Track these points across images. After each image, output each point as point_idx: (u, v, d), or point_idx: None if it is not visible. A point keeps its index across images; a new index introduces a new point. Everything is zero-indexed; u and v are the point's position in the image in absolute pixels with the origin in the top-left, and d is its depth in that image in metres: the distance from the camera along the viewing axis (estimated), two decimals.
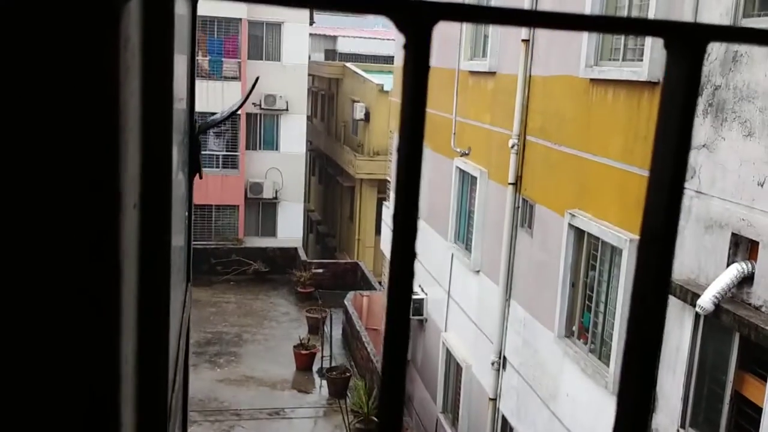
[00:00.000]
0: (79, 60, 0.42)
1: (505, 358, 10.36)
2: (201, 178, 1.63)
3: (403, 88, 0.46)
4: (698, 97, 0.50)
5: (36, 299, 0.46)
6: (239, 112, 23.96)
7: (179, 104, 1.19)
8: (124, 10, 0.44)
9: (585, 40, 8.12)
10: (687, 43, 0.49)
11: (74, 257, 0.44)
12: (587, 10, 8.07)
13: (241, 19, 24.06)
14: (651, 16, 6.92)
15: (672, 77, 0.50)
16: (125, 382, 0.61)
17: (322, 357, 16.80)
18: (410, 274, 0.49)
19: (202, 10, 23.35)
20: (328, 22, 42.59)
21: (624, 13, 7.69)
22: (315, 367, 16.94)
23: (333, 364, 16.53)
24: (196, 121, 1.61)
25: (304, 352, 16.87)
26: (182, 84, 1.38)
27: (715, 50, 6.11)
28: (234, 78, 24.15)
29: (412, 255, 0.50)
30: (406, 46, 0.46)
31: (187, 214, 1.55)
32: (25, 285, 0.46)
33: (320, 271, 21.90)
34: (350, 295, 18.90)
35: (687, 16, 6.40)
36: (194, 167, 1.53)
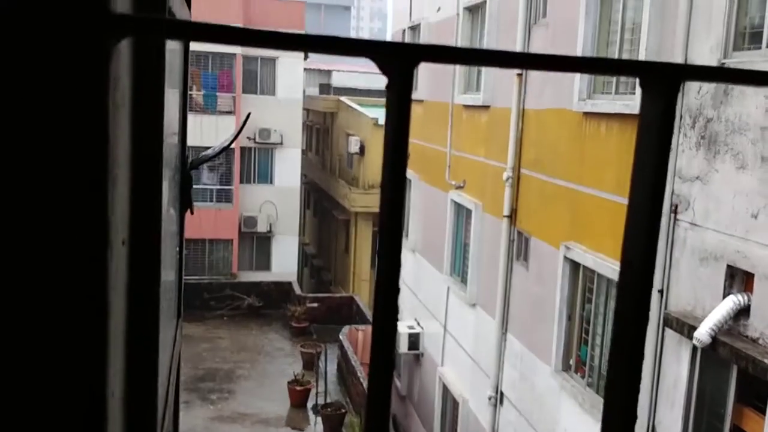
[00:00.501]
0: (67, 100, 0.43)
1: (502, 392, 10.27)
2: (192, 213, 1.64)
3: (385, 127, 0.47)
4: (673, 135, 0.51)
5: (20, 334, 0.47)
6: (233, 146, 24.06)
7: (171, 139, 1.21)
8: (114, 51, 0.45)
9: (578, 73, 8.24)
10: (662, 82, 0.50)
11: (60, 293, 0.45)
12: (579, 45, 8.20)
13: (235, 54, 24.32)
14: (642, 49, 7.03)
15: (647, 115, 0.51)
16: (112, 419, 0.60)
17: (317, 393, 16.61)
18: (394, 311, 0.49)
19: (196, 45, 23.60)
20: (323, 56, 43.07)
21: (616, 47, 7.81)
22: (310, 404, 16.73)
23: (328, 401, 16.33)
24: (188, 156, 1.62)
25: (298, 388, 16.68)
26: (174, 119, 1.40)
27: (706, 83, 6.20)
28: (228, 112, 24.31)
29: (395, 299, 0.51)
30: (388, 87, 0.47)
31: (178, 249, 1.55)
32: (9, 319, 0.46)
33: (315, 305, 21.77)
34: (345, 329, 18.77)
35: (678, 50, 6.50)
36: (185, 203, 1.53)
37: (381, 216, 0.48)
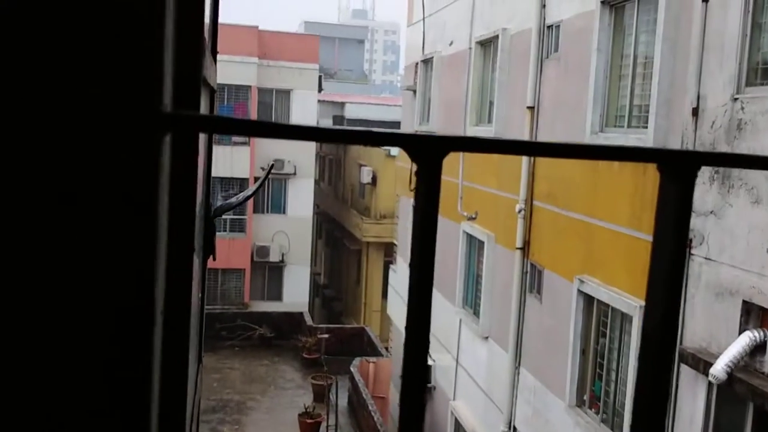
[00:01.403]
0: (121, 190, 0.46)
1: (515, 428, 10.14)
2: (215, 260, 1.67)
3: (414, 213, 0.49)
4: (690, 217, 0.53)
5: (67, 402, 0.49)
6: (247, 175, 24.24)
7: (198, 197, 1.24)
8: (163, 143, 0.48)
9: (590, 106, 8.28)
10: (679, 168, 0.52)
11: (110, 368, 0.47)
12: (591, 78, 8.25)
13: (250, 87, 24.62)
14: (655, 83, 7.07)
15: (665, 199, 0.53)
16: None
17: (328, 426, 16.46)
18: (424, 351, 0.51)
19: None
20: (337, 88, 43.56)
21: (628, 80, 7.85)
22: None
23: None
24: (212, 204, 1.66)
25: (309, 420, 16.54)
26: (200, 169, 1.44)
27: (719, 118, 6.21)
28: (243, 143, 24.54)
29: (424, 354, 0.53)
30: (417, 173, 0.50)
31: (200, 295, 1.58)
32: (58, 387, 0.48)
33: (326, 336, 21.69)
34: (356, 361, 18.65)
35: (691, 85, 6.52)
36: (209, 250, 1.57)
37: (410, 295, 0.51)
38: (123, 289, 0.47)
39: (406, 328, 0.49)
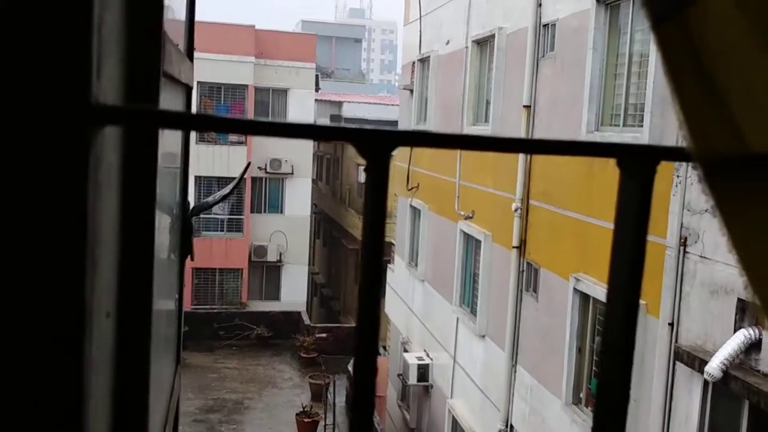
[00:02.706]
0: (47, 183, 0.45)
1: (512, 426, 10.14)
2: (192, 260, 1.66)
3: (364, 207, 0.48)
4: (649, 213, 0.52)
5: None
6: (245, 176, 24.22)
7: (172, 187, 1.23)
8: (96, 136, 0.47)
9: (585, 105, 8.27)
10: (639, 163, 0.51)
11: (36, 370, 0.46)
12: (587, 77, 8.24)
13: (247, 86, 24.59)
14: (650, 81, 7.07)
15: (625, 194, 0.52)
16: None
17: (325, 425, 16.46)
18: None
19: (209, 76, 23.92)
20: (334, 88, 43.54)
21: (624, 79, 7.84)
22: None
23: None
24: (189, 203, 1.65)
25: (306, 420, 16.53)
26: (176, 166, 1.42)
27: None
28: (240, 143, 24.51)
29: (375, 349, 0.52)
30: (366, 169, 0.49)
31: (177, 296, 1.56)
32: None
33: (324, 335, 21.68)
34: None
35: None
36: (186, 250, 1.55)
37: (360, 285, 0.50)
38: (47, 290, 0.45)
39: (358, 314, 0.48)
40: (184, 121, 0.42)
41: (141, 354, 0.70)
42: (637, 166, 0.51)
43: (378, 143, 0.46)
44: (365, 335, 0.49)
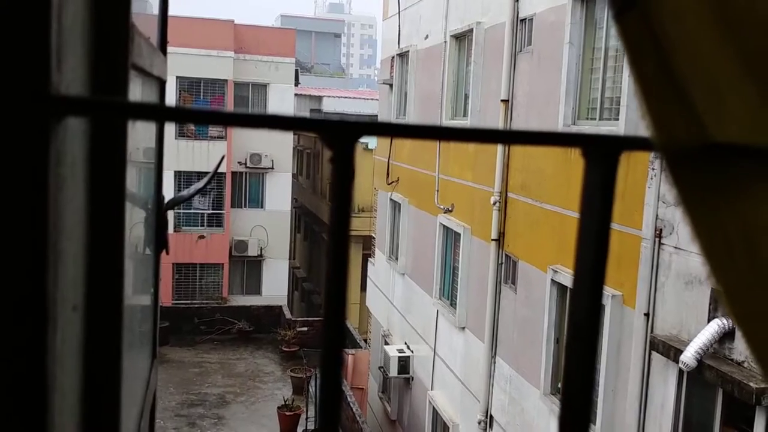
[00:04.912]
0: (4, 173, 0.44)
1: (491, 416, 10.22)
2: (168, 253, 1.65)
3: (331, 197, 0.49)
4: (613, 203, 0.53)
5: None
6: (225, 170, 24.08)
7: (146, 180, 1.22)
8: (56, 128, 0.46)
9: (563, 99, 8.33)
10: (602, 152, 0.52)
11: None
12: (564, 71, 8.29)
13: (227, 80, 24.42)
14: (625, 76, 7.13)
15: (589, 183, 0.53)
16: None
17: (307, 418, 16.47)
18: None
19: (189, 71, 23.71)
20: (314, 82, 43.37)
21: (600, 74, 7.90)
22: (300, 429, 16.57)
23: (318, 426, 16.16)
24: (164, 197, 1.64)
25: (288, 413, 16.53)
26: (149, 158, 1.41)
27: None
28: (220, 137, 24.35)
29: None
30: (331, 160, 0.49)
31: (153, 290, 1.55)
32: None
33: (305, 329, 21.66)
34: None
35: None
36: (161, 244, 1.54)
37: (327, 271, 0.50)
38: (7, 281, 0.45)
39: (324, 299, 0.49)
40: (146, 112, 0.42)
41: (112, 347, 0.70)
42: (601, 155, 0.52)
43: (342, 133, 0.46)
44: (332, 318, 0.49)
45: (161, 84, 1.46)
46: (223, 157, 2.82)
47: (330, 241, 0.48)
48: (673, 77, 0.47)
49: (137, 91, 1.02)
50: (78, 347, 0.62)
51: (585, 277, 0.54)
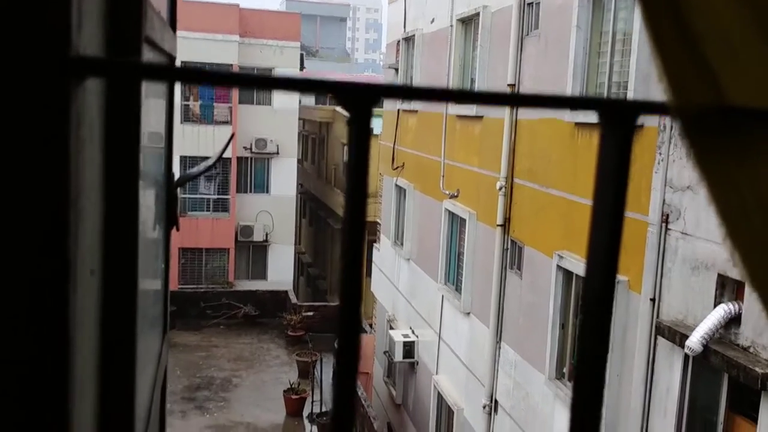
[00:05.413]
0: (26, 137, 0.44)
1: (496, 401, 10.26)
2: (178, 230, 1.65)
3: (348, 161, 0.49)
4: (629, 167, 0.52)
5: None
6: (230, 155, 24.09)
7: (154, 162, 1.23)
8: (76, 90, 0.46)
9: (570, 83, 8.28)
10: (619, 115, 0.52)
11: (20, 326, 0.46)
12: (571, 55, 8.24)
13: (232, 65, 24.36)
14: (633, 59, 7.08)
15: (606, 148, 0.52)
16: None
17: (313, 402, 16.58)
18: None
19: (194, 56, 23.66)
20: (319, 67, 43.23)
21: (607, 57, 7.85)
22: (305, 412, 16.69)
23: (324, 409, 16.30)
24: (174, 174, 1.64)
25: (294, 396, 16.65)
26: (159, 136, 1.41)
27: None
28: (225, 122, 24.34)
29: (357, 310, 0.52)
30: (349, 122, 0.49)
31: (164, 265, 1.56)
32: None
33: (310, 314, 21.75)
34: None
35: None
36: (171, 220, 1.55)
37: (343, 240, 0.50)
38: (29, 245, 0.45)
39: (340, 275, 0.49)
40: (164, 73, 0.42)
41: (127, 312, 0.70)
42: (618, 118, 0.52)
43: (360, 95, 0.46)
44: (349, 290, 0.49)
45: (171, 60, 1.46)
46: (233, 135, 2.82)
47: (347, 202, 0.48)
48: (688, 36, 0.46)
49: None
50: (95, 312, 0.63)
51: (601, 245, 0.54)
